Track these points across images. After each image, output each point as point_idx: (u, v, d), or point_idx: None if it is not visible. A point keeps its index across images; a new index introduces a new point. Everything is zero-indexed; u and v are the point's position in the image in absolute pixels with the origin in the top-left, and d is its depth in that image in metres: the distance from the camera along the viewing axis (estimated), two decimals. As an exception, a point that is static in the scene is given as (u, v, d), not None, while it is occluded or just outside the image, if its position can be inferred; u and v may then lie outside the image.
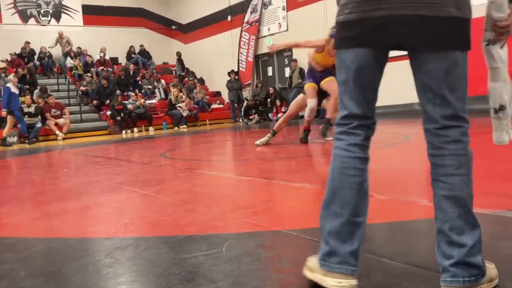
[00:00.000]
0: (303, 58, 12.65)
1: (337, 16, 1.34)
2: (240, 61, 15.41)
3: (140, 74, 15.85)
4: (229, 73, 14.61)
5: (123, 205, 2.97)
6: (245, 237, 2.02)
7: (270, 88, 13.90)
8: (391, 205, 2.47)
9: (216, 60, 16.59)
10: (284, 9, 13.80)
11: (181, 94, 14.28)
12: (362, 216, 1.34)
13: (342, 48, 1.33)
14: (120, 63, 16.97)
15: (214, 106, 15.59)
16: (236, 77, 14.70)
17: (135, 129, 12.87)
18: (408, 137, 5.75)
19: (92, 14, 17.18)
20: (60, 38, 15.63)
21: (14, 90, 10.82)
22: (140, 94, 14.13)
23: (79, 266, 1.76)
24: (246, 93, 14.98)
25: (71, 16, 17.08)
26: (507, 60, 1.39)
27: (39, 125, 11.37)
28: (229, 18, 15.95)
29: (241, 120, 14.17)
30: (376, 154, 4.69)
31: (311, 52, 5.58)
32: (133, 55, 17.15)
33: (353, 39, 1.29)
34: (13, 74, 11.63)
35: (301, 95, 5.96)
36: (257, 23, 14.73)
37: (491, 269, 1.33)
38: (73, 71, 15.13)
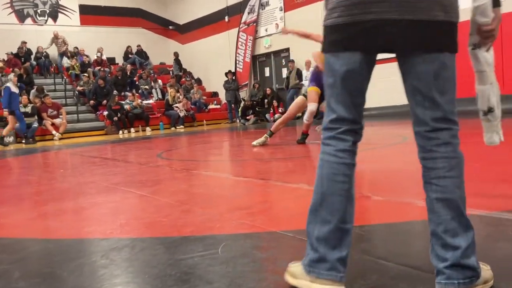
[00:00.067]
0: (300, 58, 12.69)
1: (325, 20, 1.34)
2: (237, 62, 15.41)
3: (137, 74, 15.82)
4: (226, 74, 14.62)
5: (119, 206, 2.96)
6: (241, 238, 2.02)
7: (267, 89, 13.91)
8: (388, 206, 2.47)
9: (213, 60, 16.59)
10: (281, 10, 13.81)
11: (178, 94, 14.27)
12: (350, 223, 1.33)
13: (330, 51, 1.33)
14: (117, 63, 16.95)
15: (211, 106, 15.59)
16: (233, 78, 14.71)
17: (132, 130, 12.85)
18: (405, 137, 5.76)
19: (89, 14, 17.15)
20: (56, 38, 15.60)
21: (14, 89, 10.78)
22: (137, 94, 14.13)
23: (74, 267, 1.76)
24: (243, 94, 14.99)
25: (68, 16, 17.05)
26: (493, 63, 1.40)
27: (35, 125, 11.34)
28: (226, 18, 15.95)
29: (238, 121, 14.18)
30: (373, 155, 4.71)
31: (318, 53, 5.53)
32: (130, 55, 17.14)
33: (341, 43, 1.29)
34: (13, 73, 11.57)
35: (301, 97, 5.93)
36: (255, 24, 14.74)
37: (486, 270, 1.33)
38: (70, 71, 15.11)
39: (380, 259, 1.61)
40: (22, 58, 14.89)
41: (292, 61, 13.06)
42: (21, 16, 16.24)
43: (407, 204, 2.48)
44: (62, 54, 15.61)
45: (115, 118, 12.56)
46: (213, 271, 1.62)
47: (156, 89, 15.43)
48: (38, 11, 16.53)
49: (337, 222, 1.31)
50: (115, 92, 13.46)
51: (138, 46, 17.34)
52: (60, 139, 11.59)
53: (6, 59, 14.43)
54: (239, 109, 14.34)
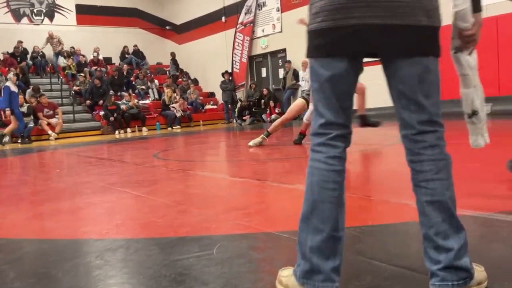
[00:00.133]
0: (296, 59, 12.71)
1: (309, 24, 1.33)
2: (234, 62, 15.41)
3: (134, 74, 15.80)
4: (223, 74, 14.61)
5: (115, 206, 2.96)
6: (237, 239, 2.02)
7: (264, 89, 13.92)
8: (382, 207, 2.48)
9: (210, 60, 16.58)
10: (278, 11, 13.82)
11: (175, 94, 14.26)
12: (342, 231, 1.32)
13: (314, 56, 1.33)
14: (114, 63, 16.91)
15: (207, 106, 15.58)
16: (230, 78, 14.71)
17: (128, 130, 12.82)
18: (400, 139, 5.76)
19: (85, 14, 17.11)
20: (51, 38, 15.55)
21: (14, 88, 10.74)
22: (133, 94, 14.09)
23: (69, 268, 1.75)
24: (240, 94, 14.99)
25: (64, 16, 17.00)
26: (476, 67, 1.41)
27: (31, 124, 11.30)
28: (223, 19, 15.95)
29: (234, 121, 14.17)
30: (369, 156, 4.72)
31: None
32: (126, 55, 17.11)
33: (325, 48, 1.29)
34: (13, 72, 11.52)
35: (301, 99, 5.89)
36: (251, 24, 14.75)
37: (480, 271, 1.34)
38: (66, 71, 15.06)
39: (374, 260, 1.62)
40: (18, 58, 14.83)
41: (289, 61, 13.08)
42: (17, 16, 16.18)
43: (402, 205, 2.48)
44: (57, 54, 15.57)
45: (112, 118, 12.53)
46: (209, 271, 1.62)
47: (152, 89, 15.41)
48: (35, 10, 16.47)
49: (329, 230, 1.29)
50: (111, 92, 13.43)
51: (135, 46, 17.31)
52: (56, 139, 11.56)
53: (2, 58, 14.38)
54: (236, 110, 14.34)
